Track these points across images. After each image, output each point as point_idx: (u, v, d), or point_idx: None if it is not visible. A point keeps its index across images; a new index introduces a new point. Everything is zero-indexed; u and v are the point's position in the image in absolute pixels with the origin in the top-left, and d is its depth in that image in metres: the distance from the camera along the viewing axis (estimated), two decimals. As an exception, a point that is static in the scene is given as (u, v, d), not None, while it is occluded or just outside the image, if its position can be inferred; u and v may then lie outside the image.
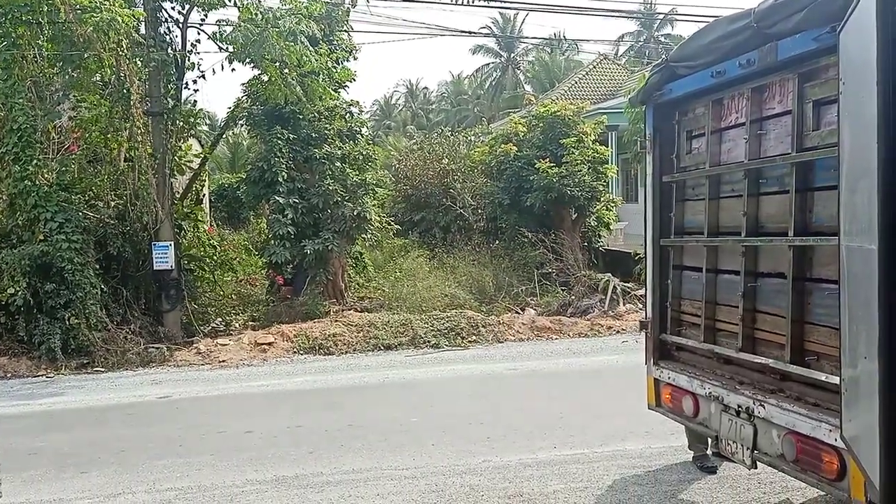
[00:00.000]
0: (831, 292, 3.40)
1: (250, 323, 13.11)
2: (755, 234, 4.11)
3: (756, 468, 4.02)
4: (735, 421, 4.04)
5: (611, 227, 17.38)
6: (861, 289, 3.00)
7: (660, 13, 38.58)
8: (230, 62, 12.16)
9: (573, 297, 13.70)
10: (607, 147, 17.13)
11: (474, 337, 11.87)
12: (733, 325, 4.27)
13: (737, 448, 4.04)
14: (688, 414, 4.52)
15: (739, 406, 4.00)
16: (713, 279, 4.51)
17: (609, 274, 14.39)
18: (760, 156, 4.08)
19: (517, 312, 13.19)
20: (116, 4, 10.48)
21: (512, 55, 48.26)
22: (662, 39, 41.28)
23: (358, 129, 14.88)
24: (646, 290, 5.13)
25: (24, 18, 10.72)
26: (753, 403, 3.88)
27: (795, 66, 3.69)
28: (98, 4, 10.27)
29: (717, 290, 4.49)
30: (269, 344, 11.57)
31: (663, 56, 5.14)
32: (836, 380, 3.24)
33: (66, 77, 12.00)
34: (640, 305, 12.44)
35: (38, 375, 10.47)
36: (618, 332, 11.95)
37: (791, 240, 3.74)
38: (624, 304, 13.32)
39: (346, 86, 14.42)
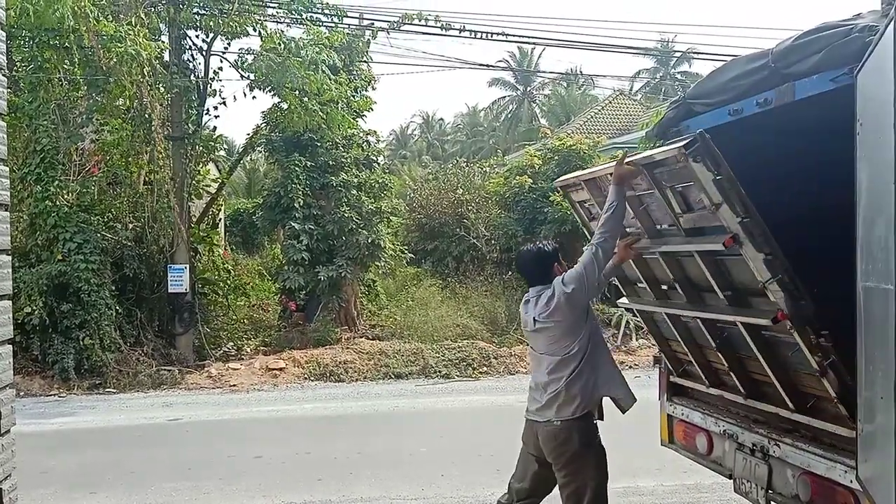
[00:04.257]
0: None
1: (262, 348, 13.14)
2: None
3: (770, 508, 3.97)
4: (749, 460, 3.99)
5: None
6: (878, 329, 3.00)
7: (677, 51, 38.81)
8: (251, 90, 12.37)
9: (586, 331, 13.61)
10: (622, 181, 17.09)
11: (485, 368, 11.83)
12: (727, 368, 4.18)
13: (751, 487, 3.99)
14: (701, 451, 4.47)
15: (754, 445, 3.96)
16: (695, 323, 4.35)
17: (622, 308, 14.32)
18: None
19: (529, 344, 13.12)
20: (141, 35, 10.62)
21: (528, 88, 48.56)
22: (678, 77, 41.48)
23: (374, 157, 15.02)
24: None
25: (50, 43, 10.96)
26: (768, 442, 3.84)
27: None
28: (123, 35, 10.38)
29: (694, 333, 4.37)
30: (280, 369, 11.58)
31: (680, 93, 5.17)
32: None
33: (90, 101, 12.23)
34: (653, 341, 12.33)
35: (51, 395, 10.53)
36: (630, 367, 11.86)
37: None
38: (637, 340, 13.26)
39: (363, 115, 14.59)
